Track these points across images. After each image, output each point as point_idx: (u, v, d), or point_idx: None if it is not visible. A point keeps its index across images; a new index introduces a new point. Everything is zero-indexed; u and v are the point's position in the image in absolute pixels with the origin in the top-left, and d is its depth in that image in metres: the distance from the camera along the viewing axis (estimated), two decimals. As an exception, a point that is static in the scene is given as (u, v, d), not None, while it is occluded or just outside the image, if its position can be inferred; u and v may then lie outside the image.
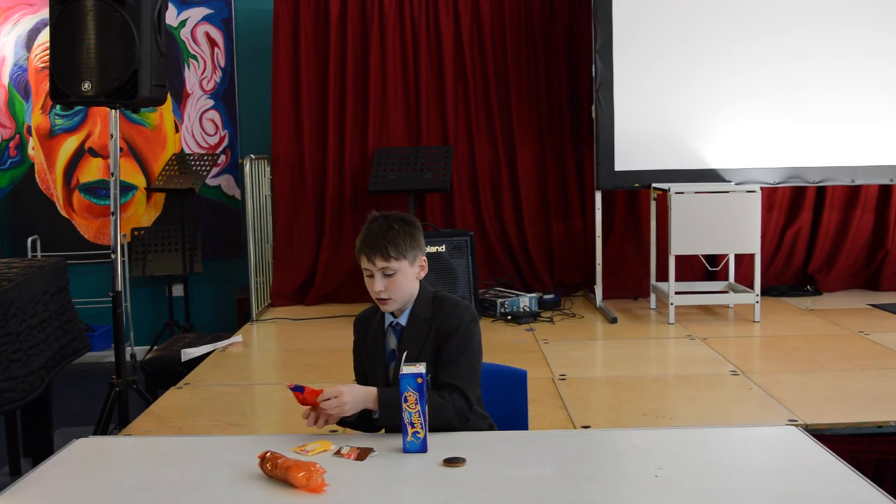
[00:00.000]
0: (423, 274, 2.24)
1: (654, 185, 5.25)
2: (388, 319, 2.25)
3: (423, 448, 1.95)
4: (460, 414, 2.12)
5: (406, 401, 1.95)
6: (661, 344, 4.61)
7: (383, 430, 2.15)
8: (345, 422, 2.16)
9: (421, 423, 1.95)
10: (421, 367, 1.97)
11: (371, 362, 2.27)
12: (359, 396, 2.06)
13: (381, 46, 5.73)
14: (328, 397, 2.03)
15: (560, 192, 5.89)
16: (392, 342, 2.24)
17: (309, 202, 5.78)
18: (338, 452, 1.97)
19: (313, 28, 5.73)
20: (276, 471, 1.81)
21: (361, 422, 2.18)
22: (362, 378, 2.31)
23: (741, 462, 1.91)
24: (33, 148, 5.96)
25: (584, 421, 3.20)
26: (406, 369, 1.97)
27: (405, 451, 1.96)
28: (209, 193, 6.04)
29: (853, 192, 5.77)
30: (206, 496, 1.78)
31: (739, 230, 4.85)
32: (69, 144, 5.98)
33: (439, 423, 2.06)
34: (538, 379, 3.76)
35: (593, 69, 5.26)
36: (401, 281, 2.16)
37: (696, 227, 4.86)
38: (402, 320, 2.23)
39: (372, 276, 2.17)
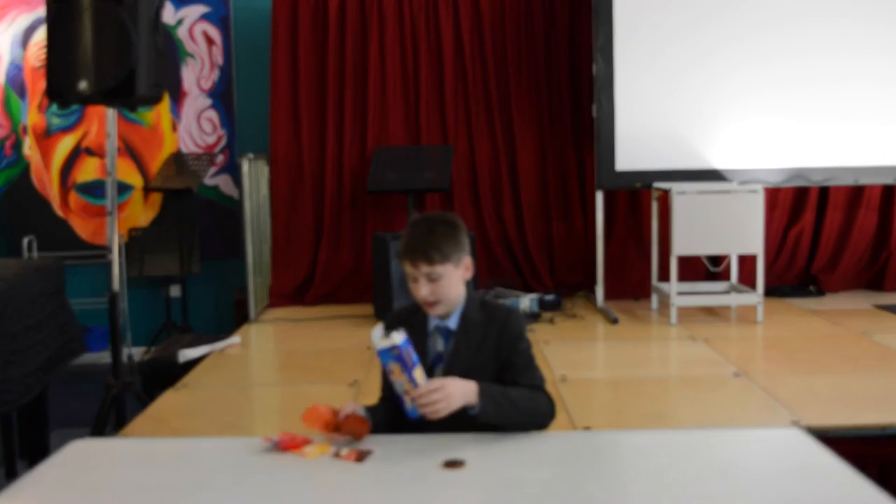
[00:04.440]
0: (468, 276, 2.21)
1: (655, 184, 5.22)
2: (434, 322, 2.20)
3: None
4: (551, 412, 2.15)
5: (392, 373, 1.96)
6: (663, 345, 4.58)
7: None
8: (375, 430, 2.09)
9: (412, 387, 1.95)
10: (396, 338, 1.94)
11: None
12: (462, 389, 1.98)
13: (381, 45, 5.70)
14: (433, 388, 1.94)
15: (561, 192, 5.86)
16: (439, 344, 2.20)
17: (307, 202, 5.75)
18: (337, 454, 1.95)
19: (312, 26, 5.71)
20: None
21: (388, 422, 2.14)
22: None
23: (744, 464, 1.90)
24: (29, 147, 5.94)
25: (585, 422, 3.18)
26: (381, 344, 1.95)
27: (409, 416, 1.97)
28: (207, 193, 6.02)
29: (856, 192, 5.74)
30: (204, 498, 1.77)
31: (742, 230, 4.82)
32: (65, 144, 5.96)
33: (534, 421, 2.10)
34: (539, 380, 3.73)
35: (594, 68, 5.24)
36: (446, 284, 2.13)
37: (698, 227, 4.83)
38: (452, 323, 2.19)
39: (417, 280, 2.14)
